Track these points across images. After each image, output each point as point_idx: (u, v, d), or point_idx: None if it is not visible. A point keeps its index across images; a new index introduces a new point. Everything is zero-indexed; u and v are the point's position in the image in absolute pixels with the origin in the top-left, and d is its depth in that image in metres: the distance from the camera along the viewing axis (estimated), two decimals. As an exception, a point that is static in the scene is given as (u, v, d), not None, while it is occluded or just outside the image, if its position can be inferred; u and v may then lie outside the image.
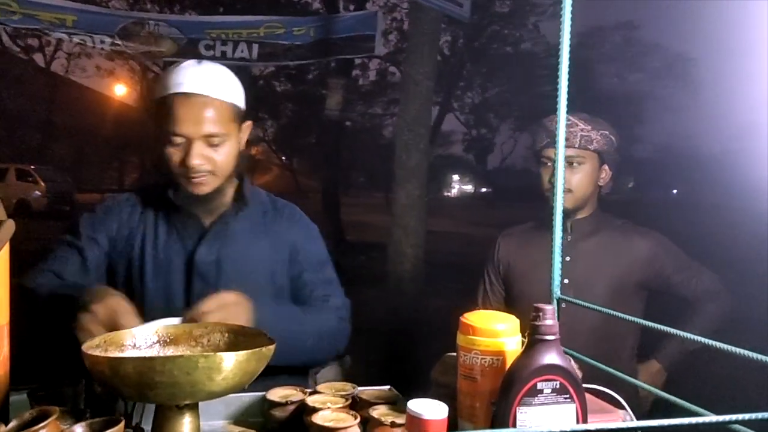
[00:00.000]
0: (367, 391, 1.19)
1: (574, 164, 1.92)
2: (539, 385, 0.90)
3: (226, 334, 1.10)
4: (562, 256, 1.33)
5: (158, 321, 1.16)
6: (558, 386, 0.90)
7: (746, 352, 0.89)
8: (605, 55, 25.18)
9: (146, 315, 1.22)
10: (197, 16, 10.66)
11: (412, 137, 4.34)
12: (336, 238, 12.09)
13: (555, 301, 1.31)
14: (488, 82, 23.79)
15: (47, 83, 22.99)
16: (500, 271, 2.13)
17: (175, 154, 1.43)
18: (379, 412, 1.06)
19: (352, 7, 13.13)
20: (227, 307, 1.26)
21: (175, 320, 1.19)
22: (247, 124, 1.55)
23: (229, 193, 1.56)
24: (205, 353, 0.99)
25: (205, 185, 1.46)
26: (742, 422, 0.86)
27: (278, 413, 1.14)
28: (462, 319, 1.02)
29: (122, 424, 0.86)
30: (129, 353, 1.03)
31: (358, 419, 1.05)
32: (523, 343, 0.97)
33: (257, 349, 0.93)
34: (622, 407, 1.11)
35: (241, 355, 0.90)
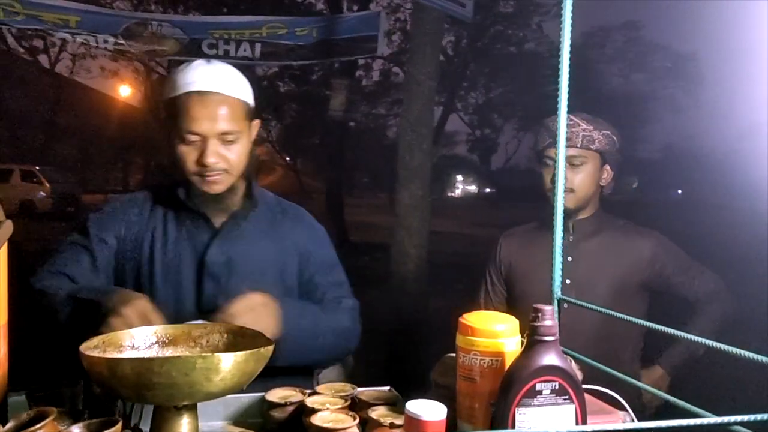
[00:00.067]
0: (366, 392, 1.19)
1: (576, 164, 1.92)
2: (538, 386, 0.90)
3: (225, 335, 1.09)
4: (563, 257, 1.33)
5: (187, 323, 1.16)
6: (557, 387, 0.90)
7: (748, 354, 0.88)
8: (609, 55, 25.17)
9: None
10: (200, 16, 10.68)
11: (415, 137, 4.33)
12: (339, 238, 12.10)
13: (555, 302, 1.30)
14: (492, 82, 23.78)
15: (52, 84, 23.03)
16: (502, 272, 2.13)
17: (189, 153, 1.43)
18: (378, 413, 1.06)
19: (355, 8, 13.13)
20: (256, 308, 1.27)
21: (203, 322, 1.19)
22: (256, 123, 1.54)
23: (240, 192, 1.55)
24: (203, 354, 0.98)
25: (219, 184, 1.46)
26: (743, 423, 0.85)
27: (277, 414, 1.13)
28: (461, 319, 1.01)
29: (120, 425, 0.86)
30: (127, 354, 1.03)
31: (357, 420, 1.05)
32: (522, 343, 0.97)
33: (255, 350, 0.93)
34: (623, 408, 1.10)
35: (240, 355, 0.90)
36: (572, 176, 1.92)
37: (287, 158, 31.35)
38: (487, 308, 2.06)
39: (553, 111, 1.28)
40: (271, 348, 0.96)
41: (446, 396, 1.03)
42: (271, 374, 1.20)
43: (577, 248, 1.96)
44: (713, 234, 8.87)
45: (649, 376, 1.97)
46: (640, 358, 2.02)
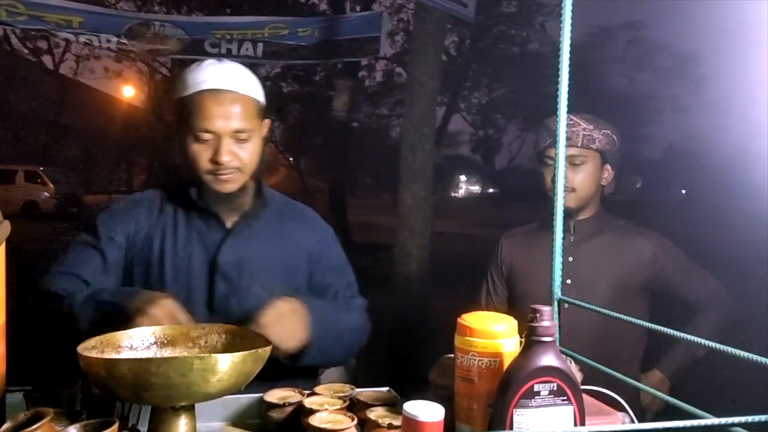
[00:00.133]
0: (365, 393, 1.19)
1: (577, 163, 1.91)
2: (536, 387, 0.89)
3: (224, 336, 1.10)
4: (564, 257, 1.32)
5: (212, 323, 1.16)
6: (555, 388, 0.90)
7: (749, 355, 0.88)
8: (610, 55, 25.12)
9: None
10: (203, 17, 10.70)
11: (418, 138, 4.33)
12: (342, 239, 12.07)
13: (555, 302, 1.30)
14: (495, 82, 23.71)
15: (56, 85, 23.09)
16: (503, 272, 2.13)
17: (202, 151, 1.42)
18: (376, 413, 1.06)
19: (358, 8, 13.13)
20: (284, 316, 1.26)
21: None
22: (267, 122, 1.54)
23: (251, 192, 1.55)
24: (200, 354, 0.98)
25: (232, 182, 1.45)
26: (742, 425, 0.85)
27: (276, 415, 1.13)
28: (459, 320, 1.01)
29: (117, 426, 0.86)
30: (125, 354, 1.03)
31: (356, 421, 1.05)
32: (521, 344, 0.96)
33: (253, 351, 0.93)
34: (622, 409, 1.10)
35: (237, 356, 0.90)
36: (573, 176, 1.92)
37: (290, 158, 31.35)
38: (488, 308, 2.06)
39: (555, 111, 1.27)
40: (268, 349, 0.96)
41: (445, 397, 1.03)
42: (275, 375, 1.20)
43: (577, 248, 1.95)
44: (713, 234, 8.84)
45: (649, 380, 1.97)
46: (642, 359, 2.01)
